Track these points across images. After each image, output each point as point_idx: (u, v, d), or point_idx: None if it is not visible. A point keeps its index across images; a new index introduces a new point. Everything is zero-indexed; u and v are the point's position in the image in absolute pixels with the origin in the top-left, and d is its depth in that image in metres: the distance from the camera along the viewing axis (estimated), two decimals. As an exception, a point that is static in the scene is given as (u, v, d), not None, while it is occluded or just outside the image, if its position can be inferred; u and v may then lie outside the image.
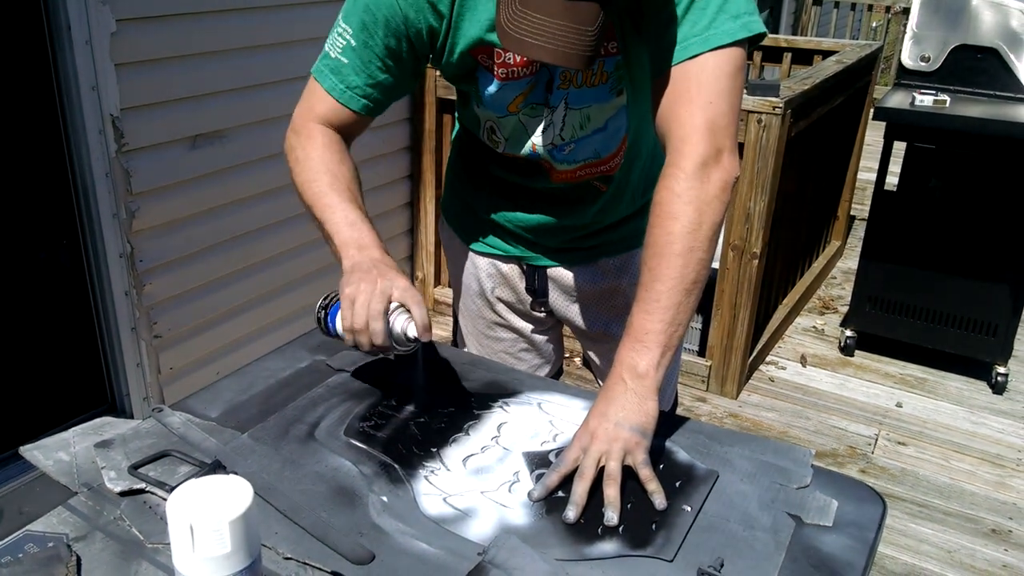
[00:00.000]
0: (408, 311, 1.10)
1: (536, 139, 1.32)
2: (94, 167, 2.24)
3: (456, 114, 1.48)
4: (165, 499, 0.98)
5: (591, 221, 1.45)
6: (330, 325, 1.17)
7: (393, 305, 1.10)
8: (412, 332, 1.09)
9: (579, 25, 0.99)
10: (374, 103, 1.27)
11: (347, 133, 1.30)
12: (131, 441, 1.12)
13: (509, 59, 1.23)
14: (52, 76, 2.16)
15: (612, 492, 1.02)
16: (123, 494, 1.01)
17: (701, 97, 1.13)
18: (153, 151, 2.38)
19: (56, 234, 2.32)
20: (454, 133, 1.54)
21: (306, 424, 1.17)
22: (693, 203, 1.12)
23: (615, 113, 1.32)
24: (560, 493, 1.04)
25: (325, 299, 1.19)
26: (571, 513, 1.00)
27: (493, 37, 1.19)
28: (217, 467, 1.06)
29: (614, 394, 1.09)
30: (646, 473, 1.05)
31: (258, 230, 2.79)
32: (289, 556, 0.93)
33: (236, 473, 1.04)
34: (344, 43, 1.22)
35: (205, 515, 0.75)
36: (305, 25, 2.75)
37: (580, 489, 1.02)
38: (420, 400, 1.23)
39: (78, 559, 0.91)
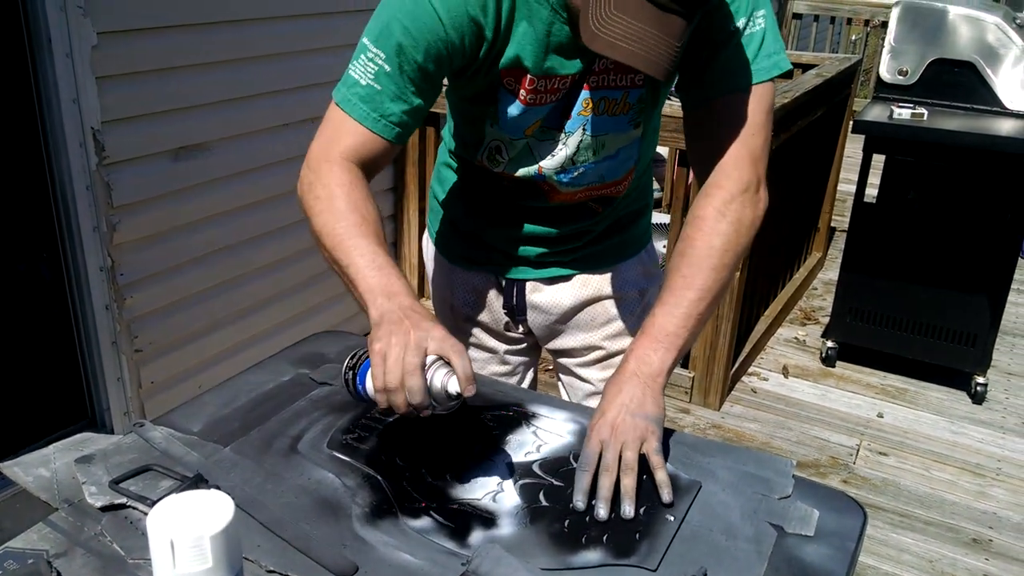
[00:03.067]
0: (448, 364, 1.00)
1: (545, 162, 1.32)
2: (74, 180, 2.22)
3: (446, 130, 1.46)
4: (147, 514, 0.98)
5: (573, 233, 1.45)
6: (360, 387, 1.08)
7: (430, 359, 0.99)
8: (453, 387, 0.98)
9: (669, 37, 1.00)
10: (406, 129, 1.20)
11: (373, 165, 1.21)
12: (112, 456, 1.11)
13: (540, 86, 1.22)
14: (32, 89, 2.15)
15: (629, 482, 1.05)
16: (104, 509, 1.01)
17: (745, 129, 1.21)
18: (134, 164, 2.37)
19: (36, 247, 2.30)
20: (442, 154, 1.52)
21: (289, 437, 1.17)
22: (734, 224, 1.20)
23: (628, 143, 1.35)
24: (544, 502, 1.04)
25: (353, 358, 1.09)
26: (603, 510, 1.03)
27: (529, 62, 1.19)
28: (199, 481, 1.05)
29: (629, 386, 1.12)
30: (657, 460, 1.07)
31: (240, 243, 2.78)
32: (272, 569, 0.93)
33: (218, 487, 1.04)
34: (376, 68, 1.14)
35: (185, 530, 0.74)
36: (289, 38, 2.75)
37: (607, 483, 1.05)
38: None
39: None
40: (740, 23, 1.18)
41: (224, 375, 1.36)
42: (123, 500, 1.02)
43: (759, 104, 1.21)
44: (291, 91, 2.81)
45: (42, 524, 0.98)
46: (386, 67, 1.14)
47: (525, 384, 1.66)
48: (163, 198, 2.47)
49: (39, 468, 1.08)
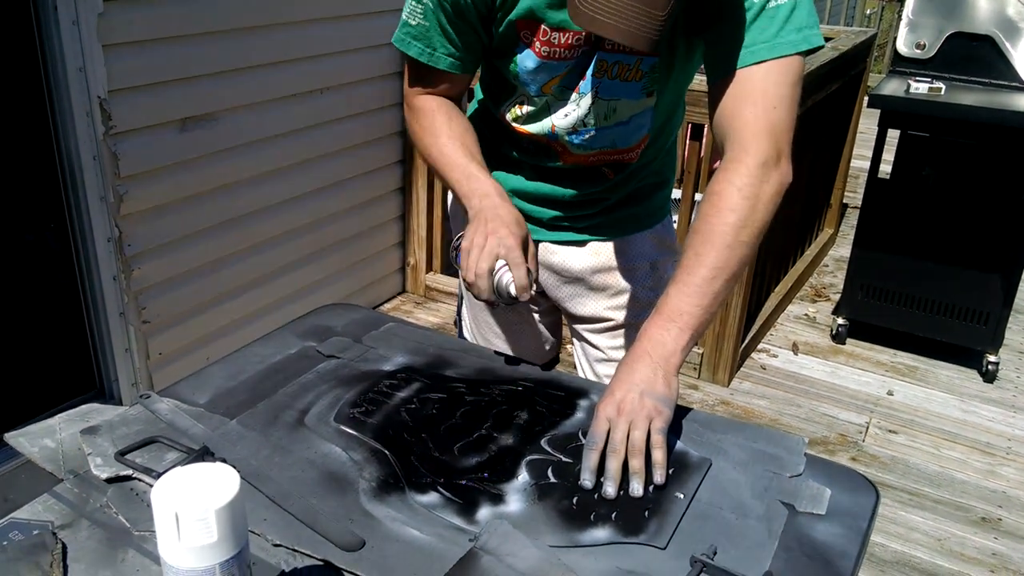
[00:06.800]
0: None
1: (558, 120, 1.34)
2: (81, 150, 2.21)
3: (478, 87, 1.50)
4: (152, 486, 0.97)
5: (587, 199, 1.46)
6: (459, 263, 1.27)
7: (499, 263, 1.19)
8: (512, 291, 1.18)
9: (650, 8, 1.03)
10: (463, 61, 1.31)
11: (450, 93, 1.36)
12: (118, 427, 1.10)
13: (554, 39, 1.25)
14: (39, 57, 2.13)
15: (637, 463, 1.04)
16: (110, 481, 1.00)
17: (766, 101, 1.19)
18: (142, 134, 2.35)
19: (43, 217, 2.29)
20: (470, 109, 1.55)
21: (296, 410, 1.16)
22: (750, 199, 1.17)
23: (641, 111, 1.35)
24: (552, 478, 1.04)
25: (458, 239, 1.30)
26: (611, 489, 1.02)
27: (543, 12, 1.22)
28: (205, 453, 1.04)
29: (639, 366, 1.11)
30: (657, 439, 1.06)
31: (248, 215, 2.77)
32: (278, 543, 0.92)
33: (224, 460, 1.03)
34: (423, 9, 1.26)
35: (191, 503, 0.73)
36: (297, 7, 2.72)
37: (614, 465, 1.04)
38: (411, 386, 1.22)
39: (64, 547, 0.90)
40: None
41: (231, 347, 1.35)
42: (129, 472, 1.01)
43: (784, 77, 1.19)
44: (299, 61, 2.79)
45: (47, 495, 0.98)
46: (429, 4, 1.25)
47: (542, 353, 1.66)
48: (170, 168, 2.46)
49: (44, 439, 1.08)
